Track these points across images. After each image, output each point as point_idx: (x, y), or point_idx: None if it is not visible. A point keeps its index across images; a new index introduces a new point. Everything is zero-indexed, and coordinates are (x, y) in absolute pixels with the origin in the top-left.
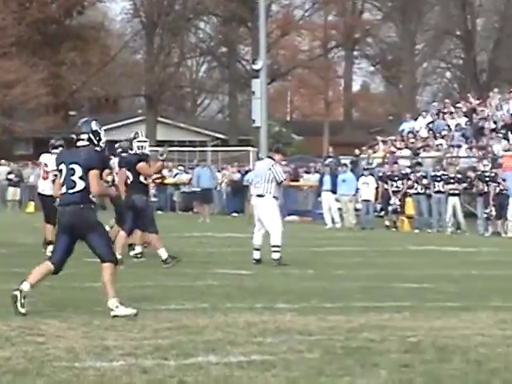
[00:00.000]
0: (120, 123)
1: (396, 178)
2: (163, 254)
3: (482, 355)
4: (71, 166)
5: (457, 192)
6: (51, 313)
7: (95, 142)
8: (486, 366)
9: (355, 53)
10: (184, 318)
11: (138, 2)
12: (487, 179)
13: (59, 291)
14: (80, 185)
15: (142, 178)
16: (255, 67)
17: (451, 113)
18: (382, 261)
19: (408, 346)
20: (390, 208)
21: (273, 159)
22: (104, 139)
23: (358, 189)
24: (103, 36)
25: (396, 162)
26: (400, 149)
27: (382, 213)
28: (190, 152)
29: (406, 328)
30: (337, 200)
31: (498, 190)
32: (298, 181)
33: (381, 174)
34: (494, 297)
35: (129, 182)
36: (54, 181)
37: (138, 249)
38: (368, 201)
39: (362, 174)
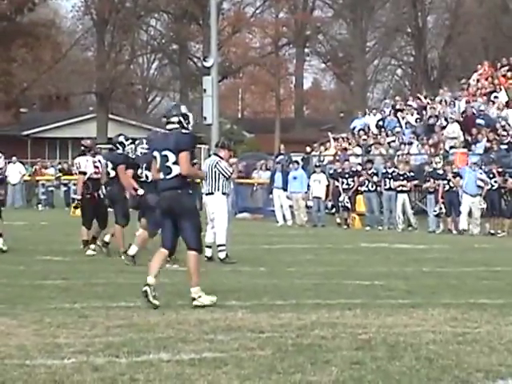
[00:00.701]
0: (71, 121)
1: (347, 176)
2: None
3: (433, 352)
4: (164, 152)
5: (405, 189)
6: (1, 310)
7: (185, 124)
8: (437, 363)
9: (306, 50)
10: (135, 315)
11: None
12: (439, 176)
13: (10, 289)
14: (175, 170)
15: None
16: (206, 64)
17: (402, 110)
18: (334, 258)
19: (359, 343)
20: (340, 205)
21: (219, 156)
22: (192, 122)
23: (309, 186)
24: (54, 33)
25: (347, 160)
26: (349, 146)
27: (334, 210)
28: None
29: (357, 325)
30: (288, 197)
31: (447, 187)
32: (249, 178)
33: (332, 172)
34: (445, 294)
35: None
36: None
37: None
38: (319, 198)
39: (314, 172)
